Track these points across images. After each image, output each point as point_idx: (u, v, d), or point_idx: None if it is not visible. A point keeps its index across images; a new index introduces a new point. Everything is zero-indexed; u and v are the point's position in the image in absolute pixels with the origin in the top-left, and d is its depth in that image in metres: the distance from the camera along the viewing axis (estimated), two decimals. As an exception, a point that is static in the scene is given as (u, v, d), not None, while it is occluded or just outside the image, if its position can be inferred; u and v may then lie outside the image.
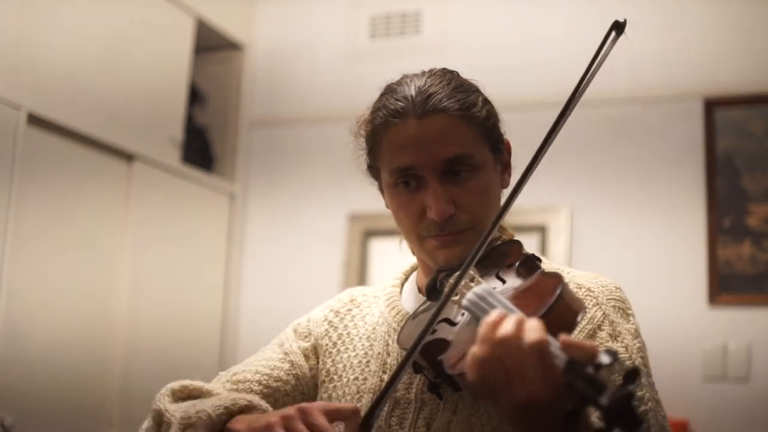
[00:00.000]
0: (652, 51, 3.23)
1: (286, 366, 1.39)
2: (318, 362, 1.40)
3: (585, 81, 1.18)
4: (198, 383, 1.32)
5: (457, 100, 1.25)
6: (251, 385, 1.34)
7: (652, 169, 3.16)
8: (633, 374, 0.87)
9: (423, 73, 1.32)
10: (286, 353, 1.40)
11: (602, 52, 1.19)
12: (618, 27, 1.22)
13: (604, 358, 0.89)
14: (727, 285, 3.00)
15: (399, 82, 1.31)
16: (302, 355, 1.40)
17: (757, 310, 2.96)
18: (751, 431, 2.89)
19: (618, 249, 3.14)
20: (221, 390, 1.33)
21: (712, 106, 3.11)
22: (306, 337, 1.43)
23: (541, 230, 3.20)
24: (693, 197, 3.09)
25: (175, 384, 1.30)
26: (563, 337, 0.93)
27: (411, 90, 1.27)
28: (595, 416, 1.08)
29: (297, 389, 1.38)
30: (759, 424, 2.87)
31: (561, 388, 0.90)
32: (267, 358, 1.40)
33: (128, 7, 3.16)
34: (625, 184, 3.18)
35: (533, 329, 0.93)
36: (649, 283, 3.04)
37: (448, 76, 1.30)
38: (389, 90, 1.31)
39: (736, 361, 2.95)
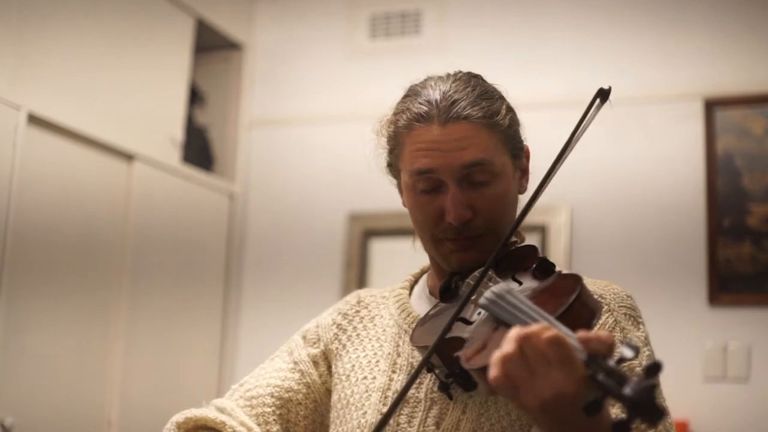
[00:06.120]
0: (652, 51, 3.24)
1: (297, 375, 1.41)
2: (328, 368, 1.42)
3: (570, 146, 1.19)
4: (202, 413, 1.34)
5: (481, 108, 1.26)
6: (264, 400, 1.37)
7: (652, 169, 3.16)
8: (654, 368, 0.88)
9: (448, 76, 1.32)
10: (295, 362, 1.42)
11: (587, 119, 1.20)
12: (603, 94, 1.22)
13: (627, 352, 0.90)
14: (727, 285, 3.00)
15: (423, 85, 1.32)
16: (311, 363, 1.42)
17: (757, 310, 2.96)
18: (751, 431, 2.89)
19: (618, 249, 3.14)
20: (232, 416, 1.35)
21: (712, 106, 3.11)
22: (315, 343, 1.44)
23: (541, 230, 3.20)
24: (693, 197, 3.09)
25: (179, 417, 1.33)
26: (580, 332, 0.94)
27: (436, 94, 1.27)
28: (614, 409, 1.09)
29: (309, 397, 1.40)
30: (759, 424, 2.87)
31: (583, 381, 0.91)
32: (277, 368, 1.42)
33: (128, 7, 3.16)
34: (625, 184, 3.18)
35: (551, 327, 0.95)
36: (649, 283, 3.03)
37: (473, 81, 1.30)
38: (413, 92, 1.32)
39: (736, 361, 2.95)
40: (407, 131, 1.28)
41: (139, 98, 3.20)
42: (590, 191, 3.20)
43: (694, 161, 3.11)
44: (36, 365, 2.70)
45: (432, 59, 3.33)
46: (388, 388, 1.31)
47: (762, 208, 3.00)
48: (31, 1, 2.75)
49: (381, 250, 3.43)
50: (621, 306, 1.27)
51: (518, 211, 1.34)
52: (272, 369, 1.42)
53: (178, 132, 3.37)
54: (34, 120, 2.71)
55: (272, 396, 1.38)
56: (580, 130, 1.20)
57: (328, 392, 1.41)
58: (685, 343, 2.99)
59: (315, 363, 1.42)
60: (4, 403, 2.57)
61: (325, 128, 3.62)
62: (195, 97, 3.63)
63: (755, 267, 2.98)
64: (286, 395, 1.38)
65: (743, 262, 2.99)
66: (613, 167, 3.20)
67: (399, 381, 1.32)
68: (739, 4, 3.17)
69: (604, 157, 3.19)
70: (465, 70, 1.35)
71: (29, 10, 2.74)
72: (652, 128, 3.19)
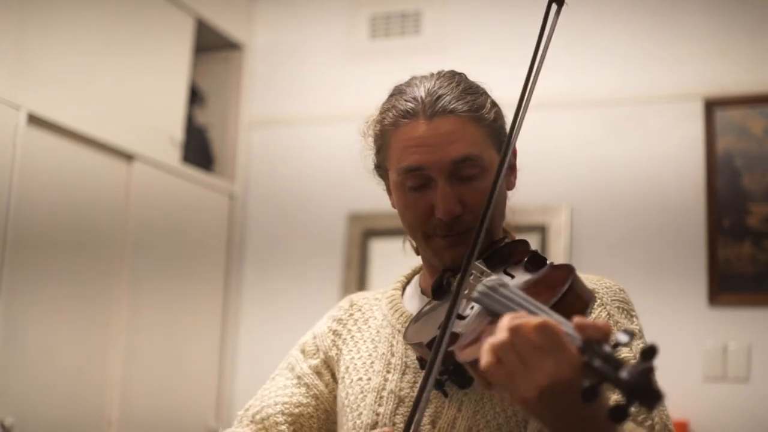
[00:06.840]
0: (653, 51, 3.23)
1: (303, 390, 1.41)
2: (332, 375, 1.42)
3: (537, 63, 1.17)
4: None
5: (466, 102, 1.27)
6: (276, 419, 1.37)
7: (652, 169, 3.16)
8: (650, 351, 0.87)
9: (432, 74, 1.33)
10: (299, 377, 1.42)
11: (548, 28, 1.20)
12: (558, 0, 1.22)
13: (622, 338, 0.90)
14: (727, 285, 3.00)
15: (408, 83, 1.33)
16: (314, 374, 1.42)
17: (757, 310, 2.96)
18: (751, 431, 2.89)
19: (618, 249, 3.14)
20: None
21: (712, 106, 3.11)
22: (314, 354, 1.44)
23: (541, 230, 3.20)
24: (693, 198, 3.09)
25: None
26: (576, 318, 0.94)
27: (420, 91, 1.28)
28: (611, 394, 1.09)
29: (319, 408, 1.40)
30: (759, 424, 2.87)
31: (579, 368, 0.91)
32: (281, 386, 1.42)
33: (128, 7, 3.16)
34: (625, 184, 3.18)
35: (538, 316, 0.95)
36: (649, 283, 3.03)
37: (456, 78, 1.31)
38: (398, 91, 1.32)
39: (736, 361, 2.95)
40: (393, 128, 1.28)
41: (139, 98, 3.20)
42: (590, 191, 3.20)
43: (694, 161, 3.11)
44: (36, 365, 2.70)
45: (432, 59, 3.32)
46: (383, 389, 1.31)
47: (762, 208, 3.00)
48: (32, 2, 2.75)
49: (381, 250, 3.43)
50: (614, 300, 1.27)
51: (506, 208, 1.35)
52: (276, 387, 1.42)
53: (178, 132, 3.37)
54: (34, 120, 2.71)
55: (283, 414, 1.38)
56: (543, 41, 1.18)
57: (336, 399, 1.41)
58: (685, 343, 2.99)
59: (318, 373, 1.42)
60: (4, 403, 2.57)
61: (325, 128, 3.62)
62: (195, 97, 3.63)
63: (755, 267, 2.98)
64: (296, 410, 1.38)
65: (743, 262, 2.99)
66: (613, 167, 3.20)
67: (393, 381, 1.32)
68: (739, 4, 3.17)
69: (605, 157, 3.19)
70: (460, 70, 1.36)
71: (29, 11, 2.74)
72: (652, 128, 3.19)
